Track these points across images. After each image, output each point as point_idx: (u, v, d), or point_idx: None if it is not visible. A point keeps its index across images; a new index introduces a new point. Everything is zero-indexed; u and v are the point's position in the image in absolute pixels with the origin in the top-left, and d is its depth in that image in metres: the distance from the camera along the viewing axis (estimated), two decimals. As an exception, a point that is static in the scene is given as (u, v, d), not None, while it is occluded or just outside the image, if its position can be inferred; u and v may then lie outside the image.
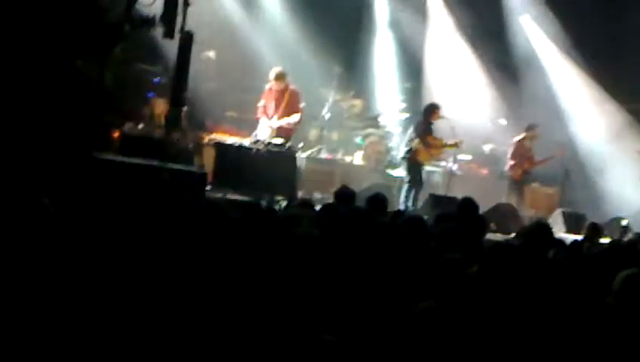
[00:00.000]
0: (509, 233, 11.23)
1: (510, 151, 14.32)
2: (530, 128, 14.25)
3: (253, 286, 4.47)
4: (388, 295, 4.44)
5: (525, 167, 14.23)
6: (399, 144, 13.99)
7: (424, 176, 13.27)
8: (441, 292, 4.54)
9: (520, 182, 14.22)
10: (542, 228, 6.94)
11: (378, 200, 7.80)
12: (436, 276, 4.80)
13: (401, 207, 12.20)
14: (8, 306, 3.59)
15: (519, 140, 14.26)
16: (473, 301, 4.47)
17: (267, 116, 12.76)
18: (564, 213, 13.40)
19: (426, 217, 7.63)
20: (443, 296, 4.40)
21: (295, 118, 12.71)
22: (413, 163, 12.87)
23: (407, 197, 12.68)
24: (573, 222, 12.89)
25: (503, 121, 15.28)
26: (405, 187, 12.79)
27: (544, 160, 14.25)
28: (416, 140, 12.82)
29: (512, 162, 14.21)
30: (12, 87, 8.33)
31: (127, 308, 4.18)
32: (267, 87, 12.93)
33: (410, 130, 13.18)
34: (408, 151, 12.87)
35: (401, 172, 13.46)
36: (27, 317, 3.56)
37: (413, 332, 3.85)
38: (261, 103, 12.91)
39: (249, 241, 5.11)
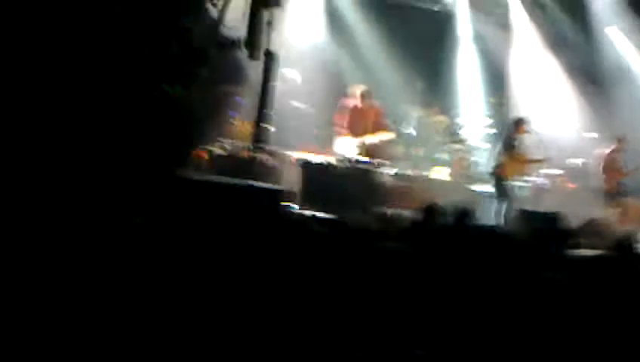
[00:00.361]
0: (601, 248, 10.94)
1: (602, 164, 14.02)
2: (619, 140, 13.99)
3: (340, 301, 4.48)
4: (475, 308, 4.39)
5: (617, 178, 13.92)
6: (487, 159, 13.82)
7: (514, 191, 13.10)
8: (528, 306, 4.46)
9: (616, 194, 13.90)
10: (628, 241, 6.75)
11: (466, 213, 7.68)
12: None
13: (491, 222, 12.07)
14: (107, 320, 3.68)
15: (610, 153, 13.98)
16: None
17: (353, 134, 12.82)
18: (658, 227, 12.96)
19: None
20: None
21: (389, 135, 12.83)
22: (501, 177, 12.74)
23: (497, 212, 12.56)
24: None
25: (593, 134, 14.91)
26: (495, 202, 12.69)
27: (634, 170, 13.91)
28: (504, 155, 12.70)
29: (604, 175, 13.92)
30: (103, 110, 8.55)
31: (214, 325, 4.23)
32: (350, 104, 12.98)
33: (498, 144, 13.06)
34: (496, 166, 12.76)
35: (486, 187, 13.34)
36: (115, 331, 3.65)
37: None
38: (342, 120, 12.97)
39: (334, 256, 5.12)
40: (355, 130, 12.89)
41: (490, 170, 13.00)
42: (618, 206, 13.95)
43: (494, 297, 4.89)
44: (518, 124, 13.05)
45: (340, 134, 13.06)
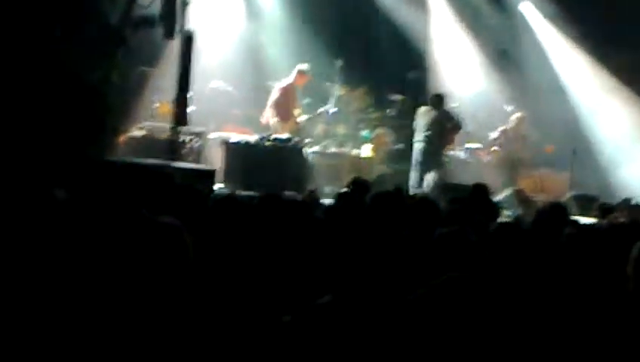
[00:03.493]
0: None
1: (497, 137, 14.80)
2: (518, 118, 14.83)
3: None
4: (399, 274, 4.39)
5: (510, 153, 14.66)
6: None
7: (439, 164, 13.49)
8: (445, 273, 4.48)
9: (519, 164, 14.60)
10: (557, 209, 6.87)
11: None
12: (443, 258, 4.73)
13: (412, 191, 12.32)
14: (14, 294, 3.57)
15: (507, 129, 14.75)
16: (482, 281, 4.39)
17: (284, 114, 12.97)
18: (575, 196, 13.34)
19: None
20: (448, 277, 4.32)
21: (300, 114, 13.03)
22: (428, 151, 13.22)
23: (421, 185, 12.94)
24: (585, 204, 12.81)
25: (509, 108, 15.24)
26: (418, 176, 13.02)
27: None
28: (430, 129, 13.17)
29: (497, 148, 14.71)
30: (18, 93, 8.32)
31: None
32: (285, 84, 13.09)
33: (421, 119, 13.33)
34: (424, 140, 13.18)
35: (408, 162, 13.58)
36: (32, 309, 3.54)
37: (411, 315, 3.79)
38: (275, 100, 13.04)
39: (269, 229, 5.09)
40: (283, 111, 13.05)
41: (417, 143, 13.25)
42: (531, 177, 14.49)
43: (411, 261, 4.90)
44: (439, 98, 13.44)
45: (272, 115, 13.16)
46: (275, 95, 13.38)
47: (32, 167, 7.30)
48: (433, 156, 13.27)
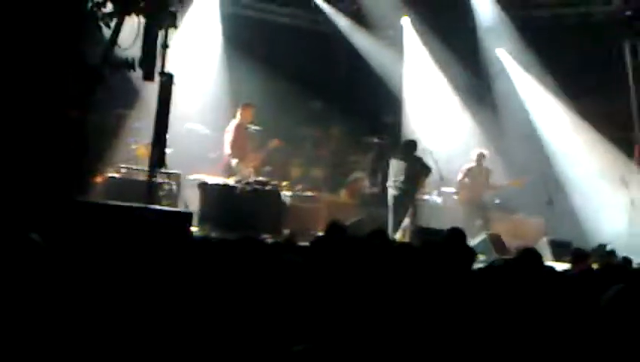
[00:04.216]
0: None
1: (460, 178, 14.97)
2: (478, 156, 15.01)
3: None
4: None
5: (476, 192, 14.80)
6: (382, 178, 14.09)
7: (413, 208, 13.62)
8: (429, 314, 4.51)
9: (477, 207, 14.78)
10: (531, 255, 6.92)
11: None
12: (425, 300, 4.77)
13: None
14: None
15: (468, 168, 14.95)
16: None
17: (240, 155, 12.99)
18: (550, 241, 13.43)
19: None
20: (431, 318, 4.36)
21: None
22: (401, 195, 13.38)
23: (395, 229, 12.99)
24: (559, 250, 12.90)
25: (485, 151, 15.38)
26: (393, 220, 13.09)
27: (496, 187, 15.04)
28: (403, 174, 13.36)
29: (462, 190, 14.91)
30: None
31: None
32: (235, 123, 13.14)
33: (396, 164, 13.49)
34: (399, 185, 13.32)
35: (382, 207, 13.66)
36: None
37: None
38: (230, 141, 13.07)
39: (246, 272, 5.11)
40: (240, 150, 13.09)
41: (390, 188, 13.35)
42: (506, 222, 14.62)
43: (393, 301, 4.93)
44: (411, 145, 13.74)
45: (230, 156, 13.18)
46: (228, 138, 13.41)
47: (7, 209, 7.26)
48: (405, 201, 13.37)
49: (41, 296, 4.04)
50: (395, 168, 13.53)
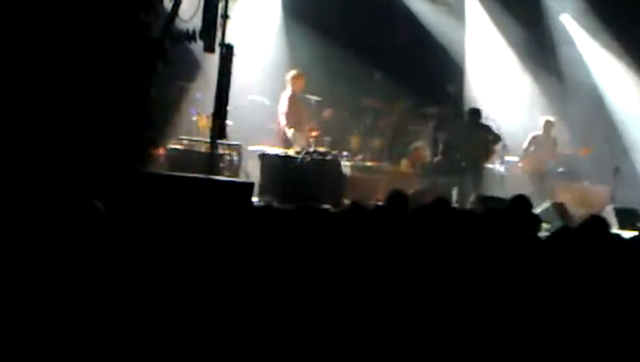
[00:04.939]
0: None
1: (527, 146, 14.78)
2: (546, 123, 14.77)
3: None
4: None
5: (543, 160, 14.65)
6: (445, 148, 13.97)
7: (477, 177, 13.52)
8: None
9: (543, 176, 14.60)
10: (597, 222, 6.77)
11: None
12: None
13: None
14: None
15: (535, 135, 14.73)
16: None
17: (295, 125, 12.95)
18: (615, 209, 13.16)
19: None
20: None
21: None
22: (465, 165, 13.32)
23: (459, 199, 12.98)
24: (625, 218, 12.65)
25: (552, 118, 15.11)
26: (457, 189, 13.01)
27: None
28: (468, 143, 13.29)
29: (528, 158, 14.70)
30: (63, 103, 8.43)
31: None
32: (288, 94, 13.11)
33: (459, 133, 13.45)
34: (459, 154, 13.30)
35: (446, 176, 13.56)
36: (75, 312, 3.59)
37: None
38: (285, 112, 13.04)
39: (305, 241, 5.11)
40: (296, 121, 13.05)
41: (451, 158, 13.21)
42: (571, 190, 14.40)
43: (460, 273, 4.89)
44: (476, 113, 13.59)
45: (285, 126, 13.16)
46: (282, 109, 13.38)
47: (73, 178, 7.38)
48: (472, 170, 13.25)
49: (104, 260, 4.10)
50: (460, 137, 13.39)
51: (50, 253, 3.85)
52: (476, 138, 13.38)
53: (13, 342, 3.48)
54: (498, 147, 14.09)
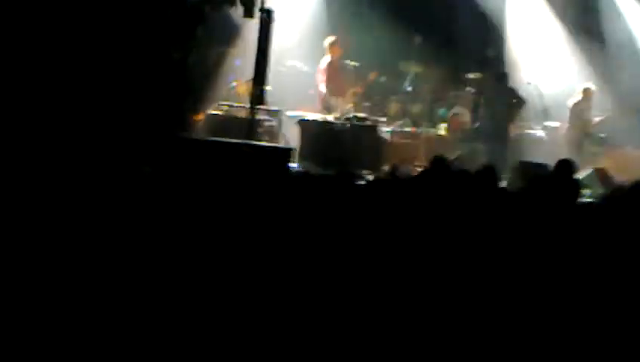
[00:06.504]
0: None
1: (569, 115, 14.53)
2: (585, 91, 14.51)
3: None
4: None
5: (583, 128, 14.44)
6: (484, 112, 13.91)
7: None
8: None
9: (579, 143, 14.37)
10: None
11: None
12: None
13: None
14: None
15: (576, 103, 14.47)
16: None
17: (335, 91, 12.93)
18: (657, 174, 12.98)
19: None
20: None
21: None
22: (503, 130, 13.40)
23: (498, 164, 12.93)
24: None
25: (592, 85, 14.90)
26: (496, 155, 12.95)
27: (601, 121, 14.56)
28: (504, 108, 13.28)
29: (568, 125, 14.49)
30: (104, 71, 8.53)
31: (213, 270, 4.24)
32: (327, 61, 13.07)
33: (496, 98, 13.36)
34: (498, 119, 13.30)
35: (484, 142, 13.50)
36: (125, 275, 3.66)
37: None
38: (324, 79, 13.01)
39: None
40: (335, 86, 13.04)
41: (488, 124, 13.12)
42: (613, 155, 14.24)
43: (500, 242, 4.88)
44: (503, 77, 13.80)
45: (326, 93, 13.16)
46: (321, 77, 13.37)
47: (120, 144, 7.48)
48: (497, 132, 13.21)
49: (149, 220, 4.16)
50: (491, 101, 13.36)
51: (101, 214, 3.93)
52: (502, 102, 13.32)
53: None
54: (536, 112, 14.00)
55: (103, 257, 3.68)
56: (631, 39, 15.84)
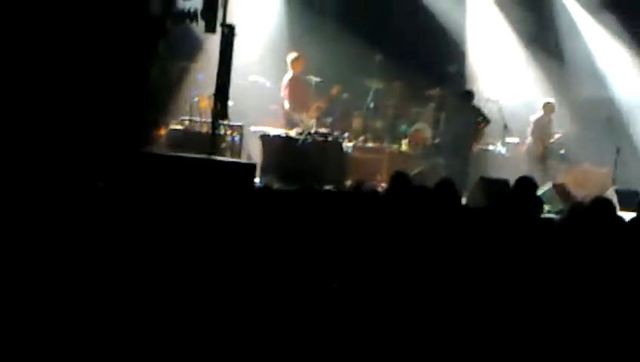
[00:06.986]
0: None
1: (529, 129, 14.74)
2: (545, 106, 14.76)
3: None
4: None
5: (545, 143, 14.68)
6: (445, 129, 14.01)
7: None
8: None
9: (544, 158, 14.62)
10: (603, 204, 6.73)
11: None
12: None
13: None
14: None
15: (537, 118, 14.72)
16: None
17: (297, 106, 12.93)
18: (617, 190, 13.15)
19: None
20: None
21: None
22: (464, 146, 13.42)
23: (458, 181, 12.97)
24: (626, 199, 12.61)
25: (552, 100, 15.08)
26: (456, 171, 12.99)
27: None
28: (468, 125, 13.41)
29: (530, 140, 14.70)
30: (62, 83, 8.44)
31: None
32: (289, 76, 13.10)
33: (456, 115, 13.50)
34: (460, 136, 13.35)
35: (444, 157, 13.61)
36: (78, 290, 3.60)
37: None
38: (287, 94, 13.03)
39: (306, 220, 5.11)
40: (298, 102, 13.06)
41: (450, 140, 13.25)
42: (572, 171, 14.43)
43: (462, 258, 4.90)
44: (468, 95, 13.82)
45: (289, 109, 13.18)
46: (284, 92, 13.41)
47: (74, 158, 7.39)
48: (458, 148, 13.32)
49: (104, 237, 4.11)
50: (453, 118, 13.45)
51: (52, 231, 3.86)
52: (464, 119, 13.41)
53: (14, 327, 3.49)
54: (497, 128, 14.14)
55: (45, 272, 3.62)
56: (589, 56, 16.08)
